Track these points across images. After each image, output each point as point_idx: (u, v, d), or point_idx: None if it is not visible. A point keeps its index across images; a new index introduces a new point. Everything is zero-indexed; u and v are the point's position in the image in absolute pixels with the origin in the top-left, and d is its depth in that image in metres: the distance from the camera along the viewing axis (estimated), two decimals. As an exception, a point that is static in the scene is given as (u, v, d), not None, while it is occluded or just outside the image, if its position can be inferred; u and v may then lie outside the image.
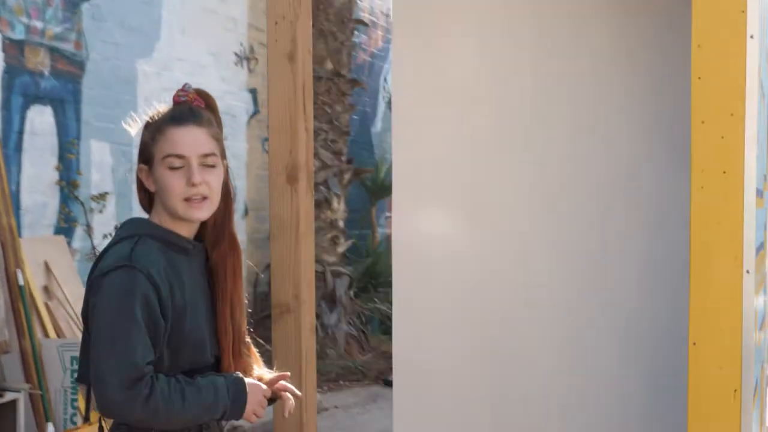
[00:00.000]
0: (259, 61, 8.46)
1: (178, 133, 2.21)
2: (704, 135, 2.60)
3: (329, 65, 8.11)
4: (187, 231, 2.28)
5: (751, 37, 2.58)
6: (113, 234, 2.35)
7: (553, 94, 3.59)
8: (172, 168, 2.20)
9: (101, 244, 6.68)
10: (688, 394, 2.61)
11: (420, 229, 3.66)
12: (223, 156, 2.29)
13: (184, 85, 2.32)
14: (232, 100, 8.16)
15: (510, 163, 3.63)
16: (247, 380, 2.26)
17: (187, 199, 2.20)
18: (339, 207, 8.21)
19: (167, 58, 7.34)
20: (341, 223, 8.31)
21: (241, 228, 8.39)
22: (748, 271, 2.58)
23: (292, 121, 3.06)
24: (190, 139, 2.21)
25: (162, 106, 2.31)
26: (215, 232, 2.33)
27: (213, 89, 7.86)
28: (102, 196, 6.58)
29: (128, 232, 2.24)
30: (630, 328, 3.50)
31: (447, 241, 3.65)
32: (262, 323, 8.18)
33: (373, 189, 9.62)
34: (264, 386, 2.28)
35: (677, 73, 3.39)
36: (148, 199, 2.32)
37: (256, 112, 8.58)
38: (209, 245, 2.34)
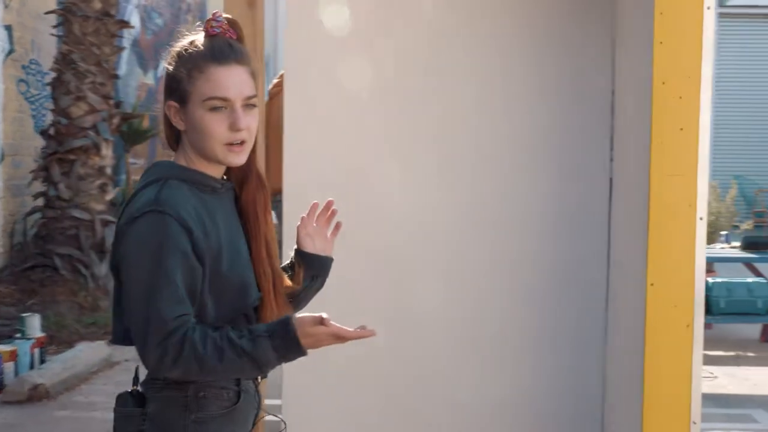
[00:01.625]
0: (14, -4, 7.91)
1: (222, 74, 2.05)
2: (664, 95, 2.85)
3: (97, 4, 7.72)
4: (217, 171, 2.14)
5: (708, 8, 2.87)
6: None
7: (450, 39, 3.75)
8: (214, 109, 2.05)
9: None
10: (645, 329, 2.88)
11: (311, 184, 3.67)
12: None
13: (215, 14, 2.15)
14: (-12, 37, 7.59)
15: (401, 114, 3.75)
16: (294, 316, 2.04)
17: (228, 144, 2.06)
18: (107, 153, 7.85)
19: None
20: (109, 170, 7.95)
21: (-2, 175, 7.86)
22: (701, 218, 2.87)
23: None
24: (234, 81, 2.06)
25: (193, 37, 2.12)
26: (241, 170, 2.20)
27: (-30, 24, 7.32)
28: None
29: (153, 176, 2.07)
30: (532, 284, 3.76)
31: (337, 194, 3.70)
32: (25, 275, 7.74)
33: (128, 135, 9.27)
34: (314, 315, 2.06)
35: (591, 64, 3.69)
36: (174, 136, 2.16)
37: (11, 51, 8.02)
38: (237, 184, 2.22)
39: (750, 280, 7.24)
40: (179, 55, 2.11)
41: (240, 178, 2.22)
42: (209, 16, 2.20)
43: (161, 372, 1.96)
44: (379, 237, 3.69)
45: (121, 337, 2.10)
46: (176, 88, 2.11)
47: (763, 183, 13.53)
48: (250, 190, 2.22)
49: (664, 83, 2.85)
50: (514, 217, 3.76)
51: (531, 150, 3.75)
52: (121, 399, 2.12)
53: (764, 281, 6.62)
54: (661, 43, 2.85)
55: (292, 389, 3.63)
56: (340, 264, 3.61)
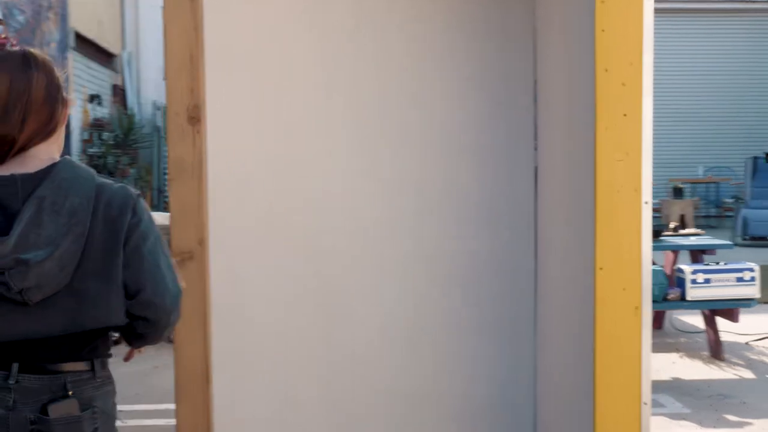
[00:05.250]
0: None
1: None
2: (607, 82, 2.90)
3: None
4: None
5: (648, -3, 2.92)
6: None
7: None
8: None
9: None
10: (596, 313, 2.92)
11: (235, 177, 3.63)
12: None
13: None
14: None
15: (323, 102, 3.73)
16: None
17: None
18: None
19: None
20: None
21: None
22: (646, 202, 2.92)
23: (194, 60, 2.90)
24: None
25: None
26: None
27: None
28: None
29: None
30: (467, 276, 3.78)
31: (264, 186, 3.67)
32: None
33: None
34: None
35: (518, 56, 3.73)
36: None
37: None
38: None
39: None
40: None
41: None
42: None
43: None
44: (306, 227, 3.66)
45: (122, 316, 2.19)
46: None
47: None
48: None
49: (606, 70, 2.89)
50: (441, 206, 3.79)
51: (456, 140, 3.78)
52: (65, 407, 2.13)
53: (658, 268, 6.79)
54: (603, 31, 2.90)
55: (223, 391, 3.55)
56: (270, 254, 3.61)
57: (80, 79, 14.42)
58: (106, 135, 14.48)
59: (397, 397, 3.78)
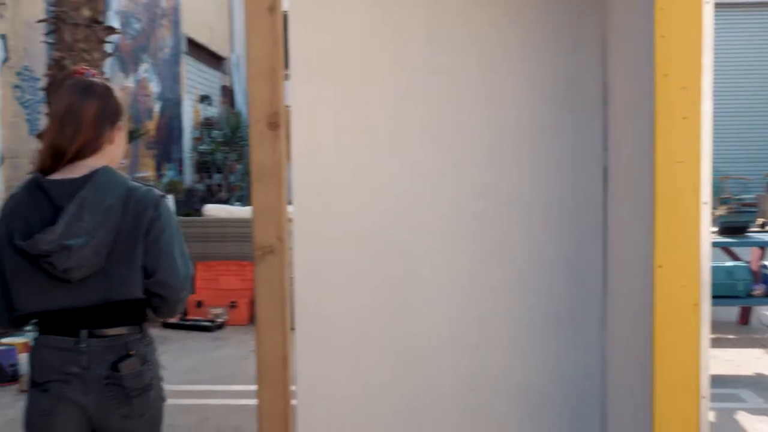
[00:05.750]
0: (8, 6, 7.96)
1: None
2: (666, 86, 2.99)
3: (86, 12, 7.79)
4: None
5: (707, 2, 3.02)
6: None
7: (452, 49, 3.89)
8: None
9: None
10: (655, 309, 3.02)
11: (320, 182, 3.82)
12: None
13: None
14: (-17, 46, 7.65)
15: (407, 115, 3.89)
16: None
17: None
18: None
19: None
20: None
21: (-3, 178, 7.96)
22: (705, 203, 3.02)
23: (274, 70, 3.11)
24: None
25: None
26: None
27: (-33, 34, 7.38)
28: None
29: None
30: (540, 277, 3.90)
31: (348, 190, 3.85)
32: None
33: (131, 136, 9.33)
34: None
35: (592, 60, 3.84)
36: None
37: (6, 59, 8.09)
38: None
39: (729, 263, 7.40)
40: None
41: None
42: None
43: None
44: (382, 227, 3.84)
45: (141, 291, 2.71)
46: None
47: (727, 169, 13.80)
48: None
49: (666, 75, 2.99)
50: (512, 206, 3.91)
51: (527, 143, 3.90)
52: (131, 364, 2.68)
53: (743, 264, 6.77)
54: (662, 37, 2.99)
55: (306, 378, 3.77)
56: (351, 257, 3.80)
57: (192, 81, 15.00)
58: (215, 133, 15.09)
59: (466, 386, 3.93)
